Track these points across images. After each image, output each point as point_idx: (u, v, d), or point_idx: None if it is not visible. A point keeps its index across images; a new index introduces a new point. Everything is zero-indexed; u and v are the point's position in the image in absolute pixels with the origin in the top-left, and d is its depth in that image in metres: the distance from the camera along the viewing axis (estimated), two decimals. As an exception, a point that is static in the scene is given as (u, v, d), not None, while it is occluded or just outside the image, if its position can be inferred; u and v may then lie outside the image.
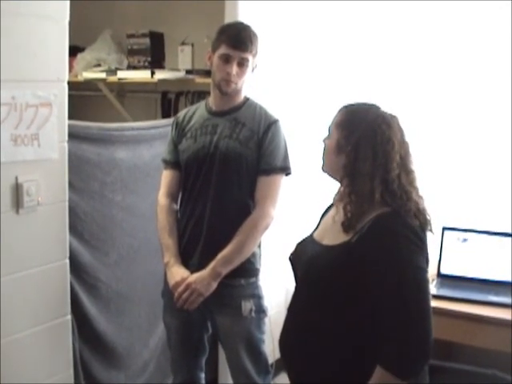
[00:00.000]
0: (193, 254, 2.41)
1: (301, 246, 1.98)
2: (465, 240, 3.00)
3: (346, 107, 1.87)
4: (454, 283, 2.97)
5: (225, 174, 2.38)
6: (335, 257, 1.77)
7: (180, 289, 2.32)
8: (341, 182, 1.85)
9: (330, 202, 2.05)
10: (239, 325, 2.42)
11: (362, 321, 1.72)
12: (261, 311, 2.46)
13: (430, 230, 1.80)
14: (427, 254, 1.77)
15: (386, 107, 1.87)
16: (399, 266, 1.68)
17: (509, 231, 2.95)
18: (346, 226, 1.77)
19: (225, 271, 2.33)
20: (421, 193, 1.82)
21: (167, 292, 2.46)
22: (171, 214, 2.49)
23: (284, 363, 1.95)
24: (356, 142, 1.77)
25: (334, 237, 1.82)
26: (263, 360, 2.49)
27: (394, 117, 1.83)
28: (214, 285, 2.32)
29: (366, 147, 1.75)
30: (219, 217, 2.39)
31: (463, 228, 3.03)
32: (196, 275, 2.33)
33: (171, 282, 2.37)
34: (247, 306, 2.40)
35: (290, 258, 2.01)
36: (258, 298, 2.46)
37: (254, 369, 2.45)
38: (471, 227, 3.02)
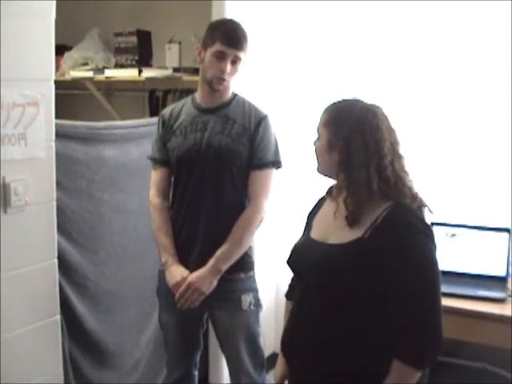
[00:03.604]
0: (191, 252, 2.39)
1: (301, 248, 1.95)
2: (453, 235, 3.01)
3: (329, 106, 1.89)
4: (443, 278, 2.97)
5: (219, 171, 2.38)
6: (349, 255, 1.76)
7: (182, 289, 2.32)
8: (337, 178, 1.85)
9: (315, 201, 2.06)
10: (239, 319, 2.43)
11: (381, 315, 1.75)
12: (258, 305, 2.47)
13: (429, 211, 1.84)
14: (435, 240, 1.79)
15: (382, 101, 1.89)
16: (415, 260, 1.73)
17: (496, 226, 2.97)
18: (351, 219, 1.79)
19: (224, 267, 2.33)
20: (411, 177, 1.84)
21: (163, 290, 2.45)
22: (165, 214, 2.46)
23: (293, 364, 1.91)
24: (347, 136, 1.79)
25: (340, 234, 1.82)
26: (260, 354, 2.50)
27: (378, 106, 1.85)
28: (215, 282, 2.33)
29: (357, 139, 1.78)
30: (215, 213, 2.38)
31: (451, 223, 3.04)
32: (196, 274, 2.33)
33: (172, 281, 2.35)
34: (247, 299, 2.41)
35: (288, 263, 1.97)
36: (255, 291, 2.47)
37: (251, 363, 2.46)
38: (459, 222, 3.04)
